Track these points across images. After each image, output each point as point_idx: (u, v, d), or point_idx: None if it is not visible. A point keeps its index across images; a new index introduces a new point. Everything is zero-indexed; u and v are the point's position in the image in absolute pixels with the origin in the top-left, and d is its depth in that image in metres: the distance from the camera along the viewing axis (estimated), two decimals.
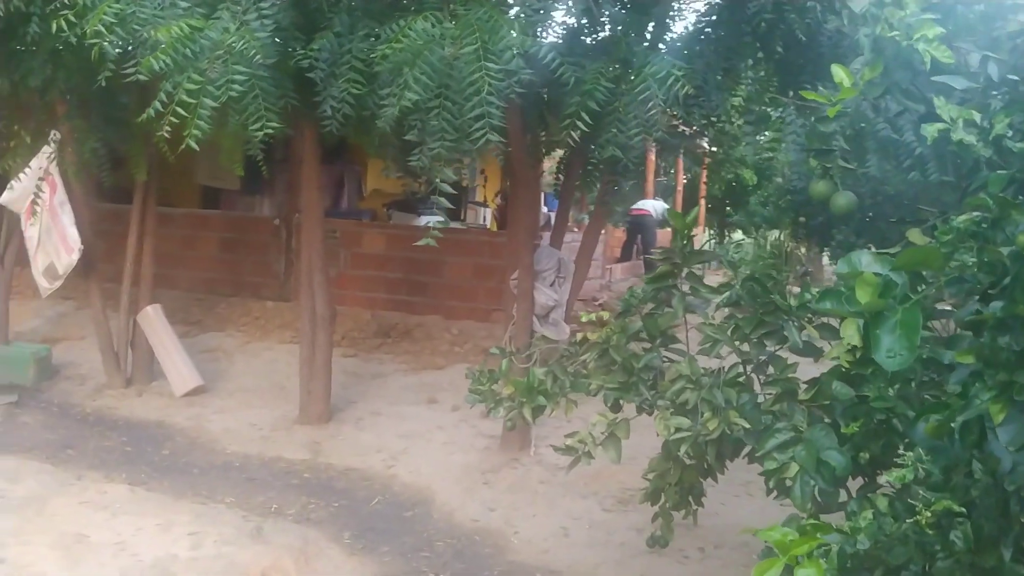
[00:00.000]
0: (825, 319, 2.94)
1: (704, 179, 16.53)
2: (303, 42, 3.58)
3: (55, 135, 5.60)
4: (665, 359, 3.21)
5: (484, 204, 12.80)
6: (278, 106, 3.45)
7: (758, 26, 4.11)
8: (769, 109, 5.42)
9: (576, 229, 9.54)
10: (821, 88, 3.73)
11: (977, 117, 1.75)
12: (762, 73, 4.73)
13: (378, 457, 5.27)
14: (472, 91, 2.92)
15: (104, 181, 5.83)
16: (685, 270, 3.04)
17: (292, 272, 8.42)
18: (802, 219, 9.38)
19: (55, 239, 5.78)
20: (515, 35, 3.00)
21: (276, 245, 8.89)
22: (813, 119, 3.29)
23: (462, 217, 12.60)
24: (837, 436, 2.34)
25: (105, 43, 3.19)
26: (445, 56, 2.98)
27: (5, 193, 5.82)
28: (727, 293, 3.09)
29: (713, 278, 13.71)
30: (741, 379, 2.95)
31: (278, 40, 3.46)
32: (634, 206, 12.90)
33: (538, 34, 3.39)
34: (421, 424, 5.86)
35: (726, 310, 3.09)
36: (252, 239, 9.10)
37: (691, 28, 4.51)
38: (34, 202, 5.43)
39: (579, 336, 3.22)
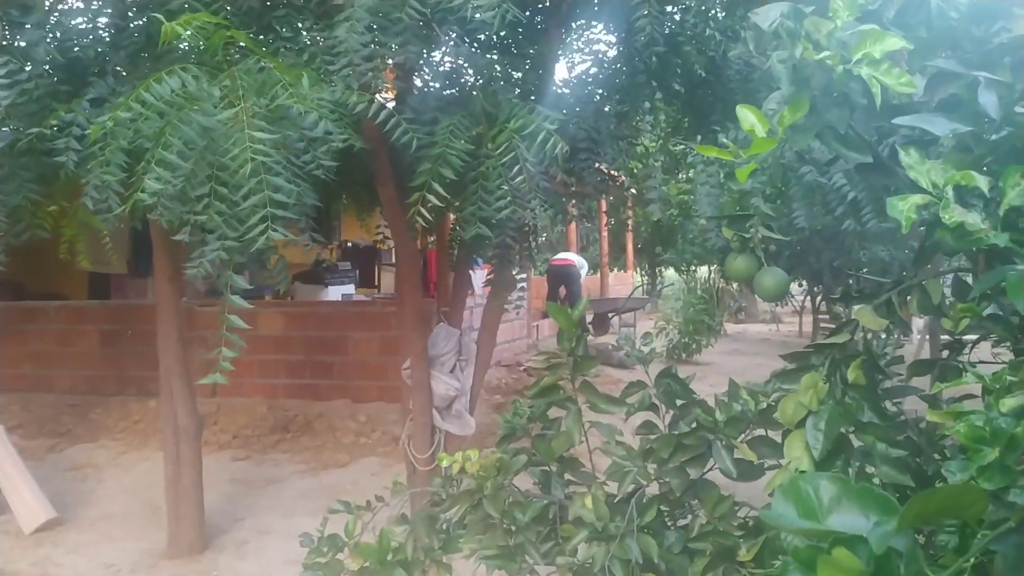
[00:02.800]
0: (762, 431, 2.28)
1: (628, 220, 16.10)
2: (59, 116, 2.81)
3: None
4: (569, 483, 2.50)
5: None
6: (13, 203, 2.67)
7: (650, 64, 3.48)
8: (684, 149, 4.84)
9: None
10: (733, 133, 3.11)
11: (983, 182, 1.06)
12: (663, 117, 4.11)
13: None
14: (242, 173, 2.17)
15: None
16: (578, 379, 2.33)
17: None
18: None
19: None
20: (308, 91, 2.27)
21: None
22: (723, 175, 2.65)
23: (375, 283, 11.84)
24: None
25: None
26: (208, 125, 2.24)
27: None
28: (637, 396, 2.40)
29: (646, 323, 13.20)
30: (664, 516, 2.25)
31: (25, 116, 2.68)
32: (556, 256, 12.36)
33: (373, 87, 2.68)
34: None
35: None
36: (136, 329, 8.21)
37: (575, 71, 3.87)
38: None
39: (452, 466, 2.45)
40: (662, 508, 2.30)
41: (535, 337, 10.66)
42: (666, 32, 3.28)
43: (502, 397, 7.96)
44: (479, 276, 10.18)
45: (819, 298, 11.36)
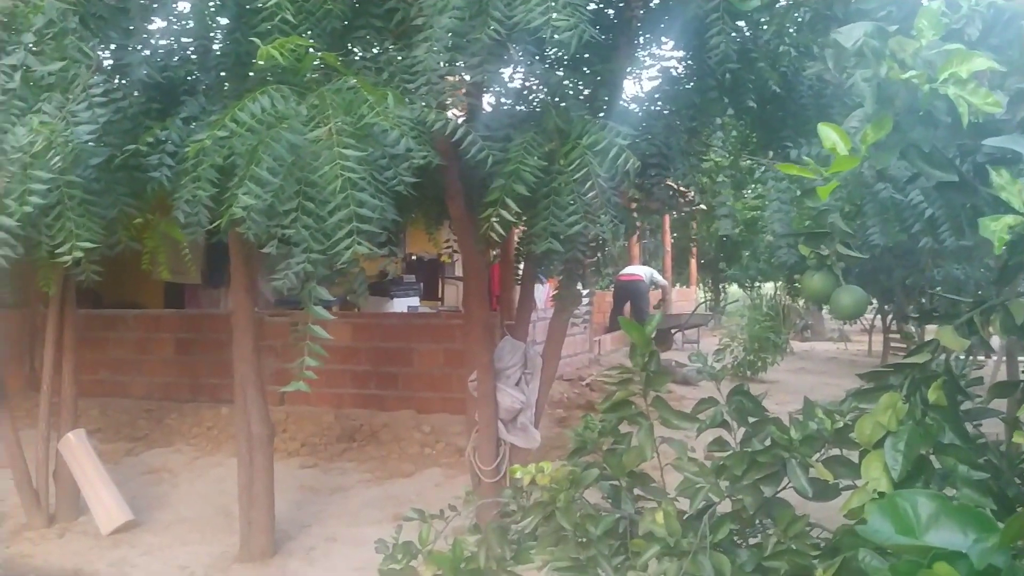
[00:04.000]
0: (838, 450, 2.25)
1: (694, 235, 15.96)
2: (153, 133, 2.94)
3: None
4: (639, 499, 2.50)
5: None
6: (109, 216, 2.79)
7: (723, 80, 3.48)
8: (751, 166, 4.81)
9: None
10: (805, 149, 3.09)
11: None
12: (734, 133, 4.09)
13: None
14: (331, 189, 2.25)
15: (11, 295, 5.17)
16: (650, 394, 2.34)
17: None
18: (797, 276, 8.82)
19: None
20: (392, 110, 2.34)
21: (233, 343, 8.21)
22: (800, 192, 2.64)
23: (439, 296, 11.97)
24: None
25: None
26: (298, 143, 2.32)
27: None
28: (709, 412, 2.40)
29: (710, 341, 13.04)
30: (735, 536, 2.24)
31: (121, 133, 2.80)
32: (623, 272, 12.29)
33: (452, 105, 2.75)
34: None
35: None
36: (209, 338, 8.45)
37: (647, 88, 3.88)
38: None
39: (524, 479, 2.48)
40: (732, 526, 2.29)
41: (597, 352, 10.64)
42: (739, 48, 3.28)
43: (564, 411, 7.96)
44: (542, 291, 10.24)
45: (890, 317, 11.08)
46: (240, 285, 4.97)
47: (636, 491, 2.50)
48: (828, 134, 1.56)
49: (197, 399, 8.22)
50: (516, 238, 5.34)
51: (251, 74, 2.88)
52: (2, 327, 5.59)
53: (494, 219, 2.76)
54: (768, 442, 2.23)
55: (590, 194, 2.71)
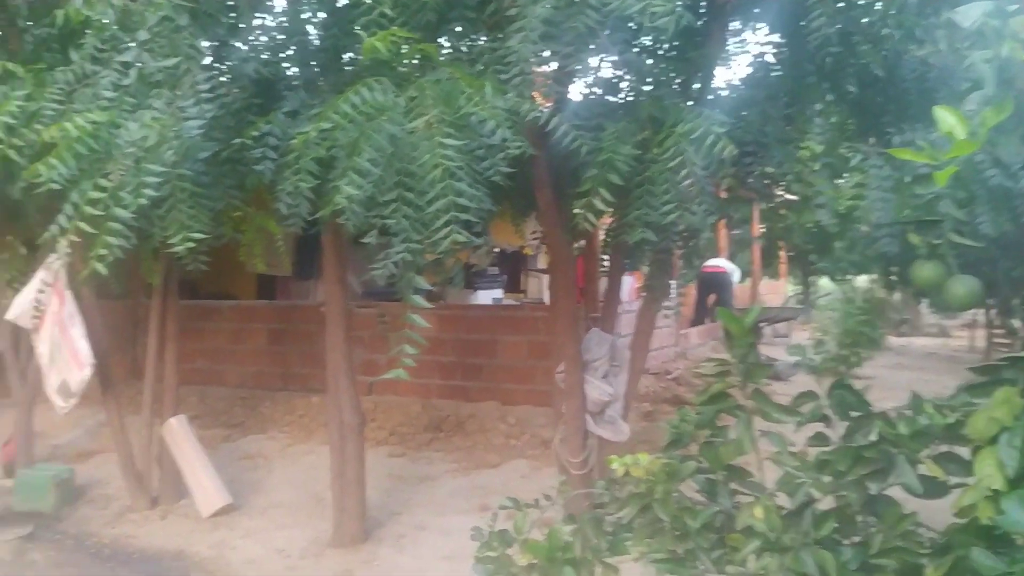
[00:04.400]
0: (949, 447, 2.16)
1: (785, 226, 15.54)
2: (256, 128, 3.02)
3: (61, 243, 5.21)
4: (735, 493, 2.46)
5: (547, 271, 12.16)
6: (216, 208, 2.88)
7: (824, 64, 3.36)
8: (848, 154, 4.65)
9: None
10: (908, 135, 2.97)
11: None
12: (833, 119, 3.96)
13: None
14: (433, 177, 2.27)
15: (117, 286, 5.41)
16: (749, 387, 2.29)
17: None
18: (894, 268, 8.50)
19: (66, 355, 5.35)
20: (490, 100, 2.35)
21: (323, 334, 8.40)
22: (908, 179, 2.54)
23: (521, 288, 12.00)
24: None
25: (8, 149, 2.68)
26: (398, 134, 2.35)
27: (11, 308, 5.45)
28: (809, 407, 2.34)
29: (800, 335, 12.69)
30: (836, 534, 2.17)
31: (226, 128, 2.89)
32: (707, 263, 12.08)
33: (545, 95, 2.74)
34: (469, 540, 5.11)
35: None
36: (300, 329, 8.70)
37: (740, 73, 3.79)
38: (38, 316, 5.02)
39: (618, 470, 2.46)
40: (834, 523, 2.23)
41: (683, 345, 10.48)
42: (841, 31, 3.17)
43: (650, 405, 7.88)
44: (626, 283, 10.14)
45: (993, 311, 10.57)
46: (332, 277, 5.08)
47: (732, 485, 2.45)
48: (945, 117, 1.50)
49: (288, 388, 8.46)
50: (602, 229, 5.31)
51: (348, 68, 2.94)
52: (108, 317, 5.83)
53: (586, 209, 2.74)
54: (874, 437, 2.16)
55: (686, 183, 2.67)
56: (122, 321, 8.77)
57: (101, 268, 2.69)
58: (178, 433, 5.78)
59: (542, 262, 12.04)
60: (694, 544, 2.13)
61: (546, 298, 11.07)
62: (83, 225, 2.64)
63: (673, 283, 4.34)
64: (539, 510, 2.42)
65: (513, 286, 11.76)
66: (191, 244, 2.74)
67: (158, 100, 2.69)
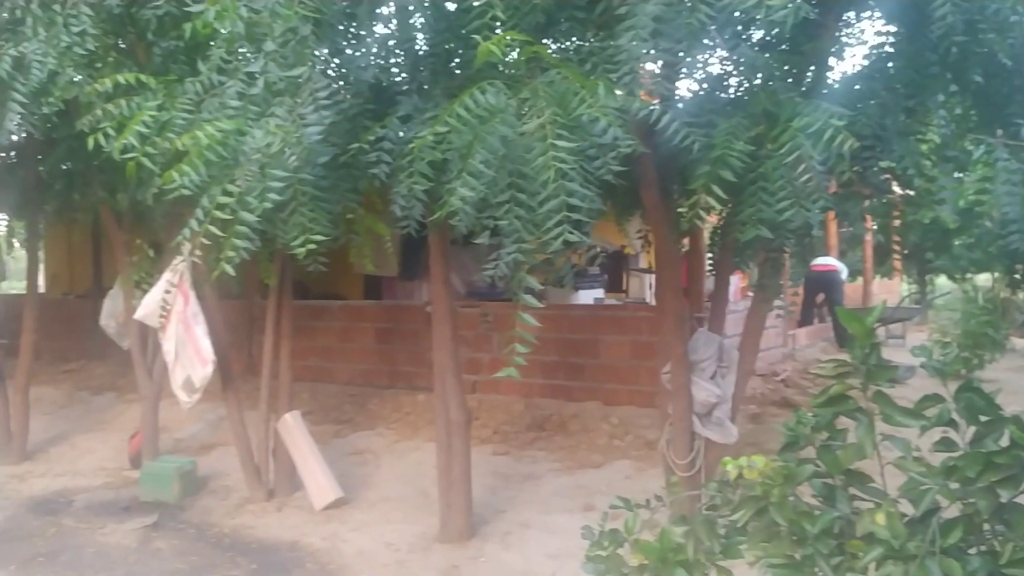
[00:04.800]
0: None
1: (900, 223, 14.90)
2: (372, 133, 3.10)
3: (185, 245, 5.49)
4: (854, 498, 2.38)
5: (649, 271, 12.03)
6: (334, 211, 2.97)
7: (947, 53, 3.21)
8: (971, 147, 4.42)
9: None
10: None
11: None
12: (958, 110, 3.77)
13: None
14: (542, 179, 2.28)
15: (236, 287, 5.66)
16: (871, 389, 2.21)
17: None
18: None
19: (190, 352, 5.63)
20: (602, 99, 2.34)
21: (428, 333, 8.56)
22: None
23: (623, 288, 11.90)
24: None
25: (142, 157, 2.84)
26: (511, 136, 2.37)
27: (139, 308, 5.78)
28: (934, 411, 2.25)
29: (916, 335, 12.17)
30: (962, 543, 2.08)
31: (343, 133, 2.98)
32: (816, 261, 11.70)
33: (653, 93, 2.71)
34: (574, 539, 5.05)
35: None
36: (406, 328, 8.89)
37: (859, 65, 3.65)
38: (164, 315, 5.31)
39: (729, 472, 2.43)
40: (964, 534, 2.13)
41: (791, 346, 10.19)
42: (966, 20, 3.02)
43: (758, 407, 7.69)
44: (732, 283, 9.92)
45: None
46: (439, 277, 5.18)
47: (851, 490, 2.38)
48: None
49: (395, 386, 8.65)
50: (706, 229, 5.22)
51: (457, 72, 2.99)
52: (227, 316, 6.11)
53: (697, 206, 2.70)
54: (1004, 442, 2.06)
55: (803, 178, 2.60)
56: (238, 320, 9.15)
57: (229, 269, 2.83)
58: (293, 428, 6.00)
59: (644, 261, 11.92)
60: (812, 550, 2.08)
61: (648, 298, 10.97)
62: (213, 228, 2.78)
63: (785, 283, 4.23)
64: (649, 511, 2.41)
65: (614, 286, 11.67)
66: (312, 246, 2.85)
67: (280, 108, 2.81)
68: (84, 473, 6.96)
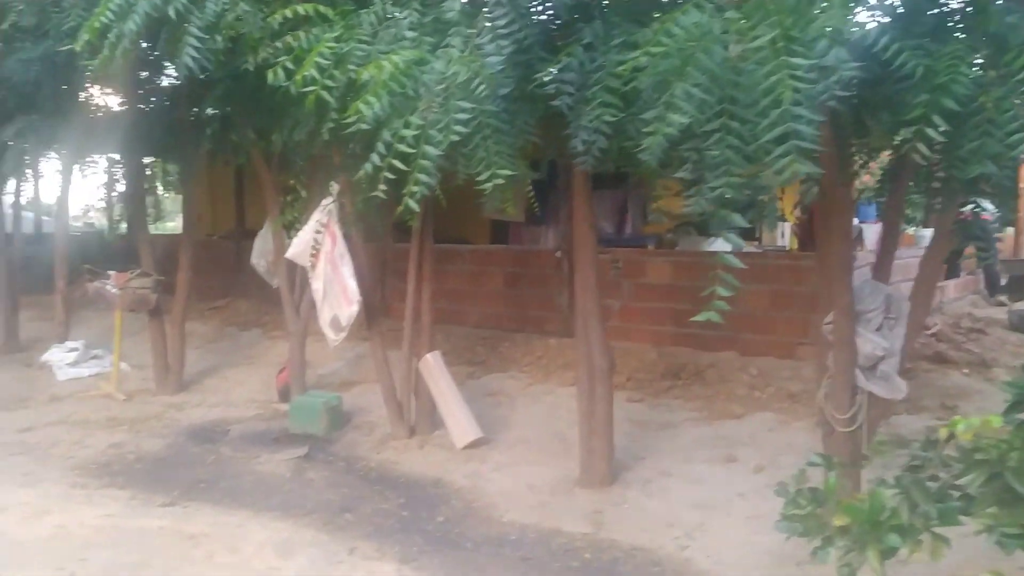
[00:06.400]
0: None
1: None
2: (551, 63, 2.95)
3: (333, 187, 5.57)
4: None
5: (782, 219, 11.53)
6: (516, 146, 2.85)
7: None
8: None
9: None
10: None
11: None
12: None
13: (669, 534, 4.53)
14: (769, 102, 2.09)
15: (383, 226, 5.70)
16: None
17: (575, 307, 8.00)
18: None
19: (336, 291, 5.76)
20: (829, 16, 2.12)
21: (558, 279, 8.50)
22: None
23: (757, 236, 11.47)
24: None
25: (321, 90, 2.80)
26: (727, 57, 2.19)
27: (290, 247, 5.92)
28: None
29: None
30: None
31: (518, 64, 2.85)
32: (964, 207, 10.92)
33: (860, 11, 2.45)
34: (718, 490, 5.04)
35: None
36: (535, 273, 8.84)
37: None
38: (314, 255, 5.42)
39: (941, 432, 2.25)
40: None
41: (939, 299, 9.61)
42: None
43: (909, 362, 7.28)
44: (873, 230, 9.43)
45: None
46: (582, 221, 5.06)
47: None
48: None
49: (525, 330, 8.64)
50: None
51: None
52: (367, 259, 6.19)
53: (918, 138, 2.45)
54: None
55: None
56: (372, 262, 9.32)
57: (413, 205, 2.79)
58: (434, 368, 6.08)
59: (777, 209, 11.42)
60: None
61: (787, 245, 10.52)
62: (396, 163, 2.74)
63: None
64: (858, 469, 2.26)
65: (748, 235, 11.25)
66: (500, 181, 2.77)
67: (455, 39, 2.72)
68: (236, 404, 7.30)
